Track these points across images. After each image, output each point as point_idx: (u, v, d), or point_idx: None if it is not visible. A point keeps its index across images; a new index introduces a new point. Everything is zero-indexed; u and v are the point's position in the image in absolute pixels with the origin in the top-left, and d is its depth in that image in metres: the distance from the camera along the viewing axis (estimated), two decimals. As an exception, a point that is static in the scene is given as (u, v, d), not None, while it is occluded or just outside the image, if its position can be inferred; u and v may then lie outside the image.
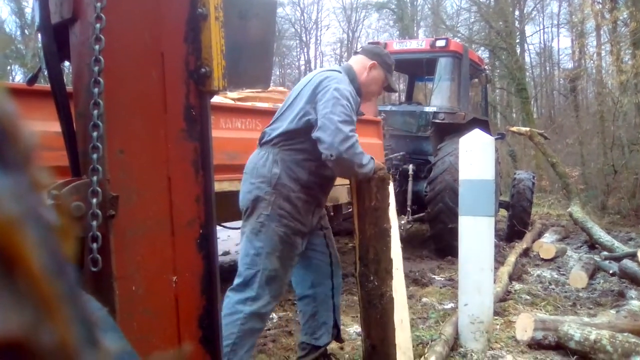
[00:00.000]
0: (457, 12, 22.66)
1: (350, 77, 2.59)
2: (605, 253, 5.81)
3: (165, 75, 1.19)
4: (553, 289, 4.85)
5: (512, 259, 5.56)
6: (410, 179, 6.55)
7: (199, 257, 1.25)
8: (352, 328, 3.57)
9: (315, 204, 2.55)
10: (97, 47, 1.05)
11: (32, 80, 1.41)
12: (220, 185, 3.49)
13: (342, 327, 3.01)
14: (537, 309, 4.12)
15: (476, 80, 7.98)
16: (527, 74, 20.07)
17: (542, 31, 22.88)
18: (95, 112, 1.05)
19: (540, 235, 7.51)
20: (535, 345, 3.23)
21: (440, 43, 7.04)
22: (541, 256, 6.17)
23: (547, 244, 6.36)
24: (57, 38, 1.15)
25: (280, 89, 5.06)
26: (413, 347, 3.12)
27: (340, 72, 2.58)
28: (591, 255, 6.14)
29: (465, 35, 19.92)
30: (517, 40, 18.87)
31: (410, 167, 6.61)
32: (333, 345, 3.06)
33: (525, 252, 6.36)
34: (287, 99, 2.62)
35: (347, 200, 4.98)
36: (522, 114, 17.26)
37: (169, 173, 1.20)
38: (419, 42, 7.54)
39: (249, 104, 4.28)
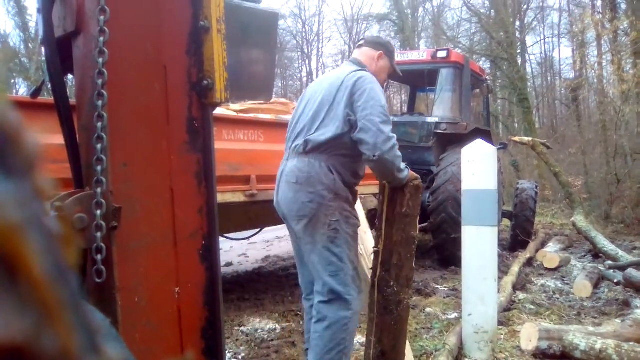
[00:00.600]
0: (458, 23, 22.82)
1: None
2: (610, 262, 5.77)
3: (168, 87, 1.19)
4: (557, 299, 4.82)
5: (515, 268, 5.54)
6: None
7: (202, 268, 1.25)
8: (356, 339, 3.54)
9: (354, 202, 2.67)
10: (100, 60, 1.06)
11: (36, 93, 1.43)
12: (223, 196, 3.50)
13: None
14: (541, 318, 4.09)
15: (478, 90, 8.00)
16: (529, 84, 20.10)
17: (543, 41, 23.03)
18: (99, 124, 1.06)
19: (543, 244, 7.48)
20: (540, 354, 3.20)
21: (442, 54, 7.07)
22: (545, 266, 6.14)
23: (551, 254, 6.33)
24: (61, 51, 1.16)
25: (283, 101, 5.06)
26: (417, 357, 3.10)
27: (366, 70, 2.62)
28: (595, 264, 6.11)
29: (467, 46, 20.01)
30: (518, 51, 18.92)
31: None
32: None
33: (529, 262, 6.33)
34: (308, 101, 2.60)
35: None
36: (524, 124, 17.23)
37: (171, 185, 1.20)
38: (421, 53, 7.57)
39: (251, 115, 4.29)
